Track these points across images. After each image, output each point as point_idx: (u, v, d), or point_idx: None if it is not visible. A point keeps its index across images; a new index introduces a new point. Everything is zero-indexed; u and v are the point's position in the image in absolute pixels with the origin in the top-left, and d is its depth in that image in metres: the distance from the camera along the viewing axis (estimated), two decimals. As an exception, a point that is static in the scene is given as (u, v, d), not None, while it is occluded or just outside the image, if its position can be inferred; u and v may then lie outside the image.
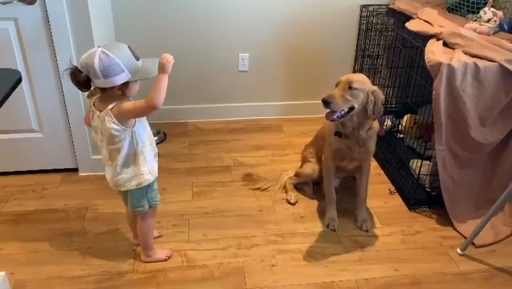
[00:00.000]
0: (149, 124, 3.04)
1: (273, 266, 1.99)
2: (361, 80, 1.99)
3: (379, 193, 2.49)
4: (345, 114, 1.96)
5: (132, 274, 1.92)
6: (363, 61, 3.13)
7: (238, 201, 2.40)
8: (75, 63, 1.60)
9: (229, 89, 3.16)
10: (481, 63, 2.00)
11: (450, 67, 1.97)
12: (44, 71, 2.30)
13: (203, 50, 3.00)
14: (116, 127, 1.61)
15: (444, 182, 2.21)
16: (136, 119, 1.66)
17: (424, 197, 2.41)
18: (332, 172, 2.26)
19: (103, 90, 1.60)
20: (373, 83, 3.11)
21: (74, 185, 2.50)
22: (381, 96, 1.97)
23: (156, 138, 2.93)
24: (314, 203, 2.41)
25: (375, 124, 2.10)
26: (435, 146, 2.16)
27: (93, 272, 1.92)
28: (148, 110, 1.60)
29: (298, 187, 2.51)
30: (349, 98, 1.93)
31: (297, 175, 2.52)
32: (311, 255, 2.05)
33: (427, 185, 2.46)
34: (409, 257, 2.06)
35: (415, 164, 2.54)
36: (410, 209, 2.37)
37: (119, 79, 1.55)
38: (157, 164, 1.84)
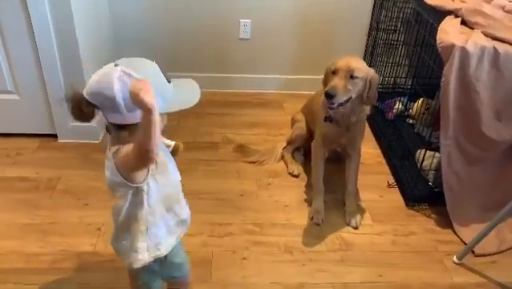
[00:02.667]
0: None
1: (244, 259, 1.82)
2: (361, 68, 1.81)
3: (376, 185, 2.26)
4: (344, 102, 1.83)
5: (92, 256, 1.79)
6: (377, 35, 2.83)
7: (220, 182, 2.22)
8: (75, 89, 1.11)
9: (229, 58, 2.92)
10: (502, 48, 1.70)
11: (464, 51, 1.69)
12: (17, 29, 2.12)
13: (200, 14, 2.75)
14: (116, 179, 1.16)
15: (447, 180, 1.97)
16: (152, 172, 1.19)
17: (425, 193, 2.17)
18: (321, 158, 2.07)
19: (120, 127, 1.11)
20: (387, 61, 2.91)
21: (50, 152, 2.36)
22: (377, 80, 1.82)
23: (145, 107, 2.75)
24: (304, 189, 2.21)
25: (367, 107, 1.95)
26: (440, 139, 1.90)
27: (50, 250, 1.80)
28: (141, 157, 1.05)
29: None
30: (350, 88, 1.79)
31: (289, 142, 2.42)
32: (289, 251, 1.86)
33: (430, 180, 2.22)
34: (398, 261, 1.85)
35: (421, 154, 2.29)
36: (408, 205, 2.14)
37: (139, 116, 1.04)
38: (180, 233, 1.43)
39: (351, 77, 1.78)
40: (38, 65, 2.21)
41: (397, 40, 2.81)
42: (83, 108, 1.10)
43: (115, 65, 1.08)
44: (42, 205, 2.02)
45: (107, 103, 1.06)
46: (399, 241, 1.95)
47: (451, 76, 1.73)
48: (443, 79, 1.76)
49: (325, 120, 1.95)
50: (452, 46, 1.70)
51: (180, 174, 2.21)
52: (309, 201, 2.12)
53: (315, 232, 1.97)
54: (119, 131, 1.13)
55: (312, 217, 2.02)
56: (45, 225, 1.92)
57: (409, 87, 2.91)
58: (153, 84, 1.00)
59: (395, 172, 2.35)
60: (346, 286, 1.73)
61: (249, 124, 2.69)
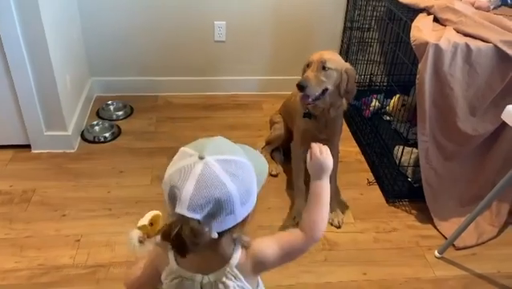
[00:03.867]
0: (114, 96, 2.83)
1: (228, 264, 1.80)
2: (334, 59, 1.83)
3: (356, 183, 2.27)
4: (320, 96, 1.83)
5: (71, 268, 1.74)
6: (351, 34, 2.85)
7: (201, 187, 2.19)
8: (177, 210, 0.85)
9: (204, 61, 2.89)
10: (474, 44, 1.73)
11: (437, 48, 1.71)
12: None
13: (175, 17, 2.72)
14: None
15: (426, 175, 2.00)
16: None
17: (405, 189, 2.20)
18: (301, 158, 2.07)
19: (220, 234, 0.89)
20: (362, 59, 2.94)
21: (24, 164, 2.29)
22: (354, 74, 1.84)
23: (121, 113, 2.71)
24: (287, 189, 2.20)
25: (344, 102, 1.97)
26: (418, 136, 1.92)
27: (28, 265, 1.74)
28: (308, 246, 1.02)
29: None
30: (323, 79, 1.80)
31: (268, 142, 2.42)
32: (272, 253, 1.85)
33: (409, 176, 2.25)
34: (381, 258, 1.87)
35: (400, 151, 2.32)
36: (388, 202, 2.16)
37: (252, 203, 0.92)
38: None
39: (324, 68, 1.79)
40: (8, 72, 2.14)
41: (371, 38, 2.84)
42: (198, 236, 0.83)
43: (201, 158, 0.84)
44: (18, 219, 1.95)
45: (219, 207, 0.83)
46: (381, 238, 1.97)
47: (426, 73, 1.75)
48: (418, 76, 1.78)
49: (304, 116, 1.96)
50: (425, 44, 1.72)
51: (160, 180, 2.19)
52: (291, 202, 2.11)
53: (298, 233, 1.96)
54: (220, 238, 0.89)
55: (295, 218, 2.01)
56: (21, 239, 1.86)
57: (385, 84, 2.95)
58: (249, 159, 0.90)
59: (374, 170, 2.37)
60: (331, 285, 1.73)
61: (229, 127, 2.67)
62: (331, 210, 2.04)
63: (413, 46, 1.78)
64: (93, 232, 1.90)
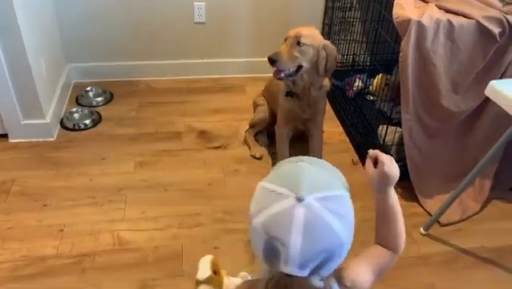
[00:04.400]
0: (93, 82, 2.74)
1: (216, 248, 1.78)
2: (311, 35, 1.79)
3: (340, 164, 2.17)
4: (294, 72, 1.82)
5: (55, 259, 1.71)
6: (333, 13, 2.82)
7: (186, 173, 2.16)
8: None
9: (185, 43, 2.83)
10: (456, 21, 1.72)
11: (420, 25, 1.69)
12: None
13: (152, -1, 2.65)
14: None
15: (410, 153, 2.00)
16: None
17: (389, 168, 2.20)
18: (286, 141, 2.07)
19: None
20: (345, 39, 2.91)
21: (1, 153, 2.22)
22: (334, 52, 1.81)
23: (101, 99, 2.64)
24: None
25: (327, 82, 1.95)
26: (401, 114, 1.92)
27: (10, 257, 1.70)
28: (395, 261, 0.98)
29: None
30: (297, 55, 1.78)
31: (252, 125, 2.39)
32: (260, 236, 1.84)
33: (394, 155, 2.25)
34: (369, 238, 1.87)
35: (384, 130, 2.32)
36: (374, 181, 2.17)
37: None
38: None
39: (299, 44, 1.75)
40: (-20, 61, 2.06)
41: (353, 17, 2.81)
42: None
43: (299, 199, 0.72)
44: (-3, 210, 1.91)
45: (330, 255, 0.74)
46: (369, 217, 1.93)
47: (409, 51, 1.74)
48: (401, 54, 1.77)
49: (286, 95, 1.94)
50: (408, 21, 1.71)
51: (144, 167, 2.17)
52: (277, 185, 2.10)
53: (285, 215, 1.96)
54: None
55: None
56: (1, 231, 1.81)
57: (368, 64, 2.94)
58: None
59: (358, 150, 2.37)
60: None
61: (212, 111, 2.63)
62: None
63: (396, 24, 1.76)
64: (76, 221, 1.86)
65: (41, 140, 2.30)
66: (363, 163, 2.24)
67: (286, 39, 1.80)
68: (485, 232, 1.91)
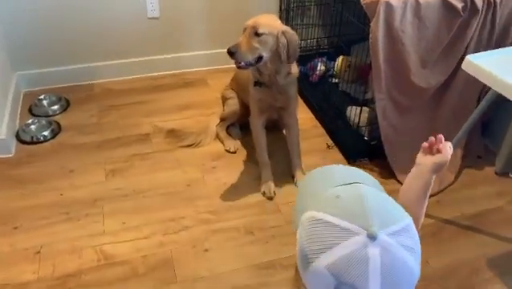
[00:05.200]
0: (44, 89, 2.54)
1: (206, 250, 1.74)
2: (268, 23, 1.77)
3: (316, 149, 2.28)
4: (255, 62, 1.79)
5: (38, 283, 1.59)
6: (289, -1, 2.79)
7: (162, 176, 2.08)
8: None
9: (140, 40, 2.70)
10: (423, -2, 1.75)
11: (388, 5, 1.70)
12: None
13: (101, -4, 2.50)
14: None
15: (384, 132, 2.04)
16: None
17: (363, 148, 2.24)
18: (262, 132, 2.05)
19: None
20: (301, 23, 2.90)
21: (-44, 178, 2.04)
22: (294, 37, 1.80)
23: (57, 107, 2.48)
24: (251, 165, 2.15)
25: (295, 69, 1.94)
26: (374, 95, 1.94)
27: (-14, 289, 1.57)
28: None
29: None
30: (256, 45, 1.76)
31: (223, 118, 2.34)
32: (250, 232, 1.82)
33: (365, 135, 2.29)
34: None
35: (351, 111, 2.35)
36: (350, 163, 2.20)
37: None
38: None
39: (257, 34, 1.73)
40: None
41: (309, 1, 2.80)
42: None
43: (372, 238, 0.66)
44: (-38, 240, 1.75)
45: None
46: (350, 199, 2.00)
47: (378, 32, 1.75)
48: (371, 35, 1.78)
49: (255, 85, 1.92)
50: (376, 2, 1.71)
51: (116, 174, 2.07)
52: (257, 177, 2.07)
53: (271, 207, 1.94)
54: None
55: (264, 192, 1.98)
56: (-29, 261, 1.67)
57: (326, 47, 2.96)
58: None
59: (331, 133, 2.39)
60: (313, 254, 1.73)
61: (178, 108, 2.55)
62: (298, 181, 2.03)
63: (364, 6, 1.76)
64: (54, 240, 1.75)
65: (-2, 157, 2.13)
66: (338, 146, 2.28)
67: (244, 30, 1.76)
68: (463, 200, 2.00)
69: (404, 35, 1.79)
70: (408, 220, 0.71)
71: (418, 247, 0.70)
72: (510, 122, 2.05)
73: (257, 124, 2.04)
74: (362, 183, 0.74)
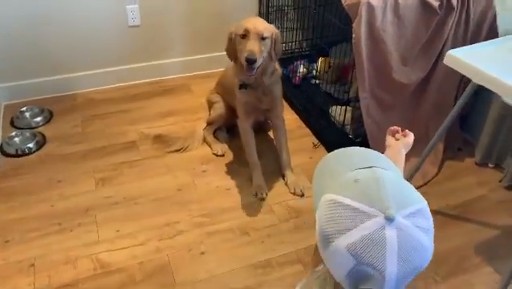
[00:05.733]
0: (25, 101, 2.50)
1: (203, 253, 1.75)
2: (267, 27, 1.86)
3: (303, 148, 2.32)
4: (260, 65, 1.85)
5: (34, 296, 1.58)
6: (268, 2, 2.84)
7: (152, 182, 2.08)
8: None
9: (121, 49, 2.70)
10: (401, -2, 1.82)
11: (369, 6, 1.77)
12: None
13: (83, 3, 2.48)
14: None
15: (369, 129, 2.10)
16: None
17: (348, 146, 2.28)
18: (251, 134, 2.09)
19: None
20: (281, 26, 2.95)
21: None
22: (279, 36, 1.92)
23: (40, 118, 2.45)
24: (239, 168, 2.17)
25: (278, 68, 2.01)
26: (358, 94, 2.00)
27: (-18, 306, 1.54)
28: None
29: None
30: (263, 49, 1.82)
31: (210, 122, 2.37)
32: (244, 232, 1.84)
33: (349, 133, 2.35)
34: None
35: (334, 111, 2.41)
36: (337, 161, 2.25)
37: None
38: None
39: (262, 38, 1.80)
40: None
41: (288, 5, 2.86)
42: None
43: (389, 220, 0.68)
44: (-48, 257, 1.71)
45: (420, 269, 0.72)
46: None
47: (361, 32, 1.81)
48: (354, 35, 1.84)
49: (240, 88, 1.96)
50: (358, 3, 1.77)
51: (106, 183, 2.06)
52: (248, 179, 2.10)
53: (264, 207, 1.97)
54: None
55: (256, 194, 2.01)
56: (-37, 278, 1.63)
57: (307, 49, 3.02)
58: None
59: (316, 133, 2.44)
60: (308, 250, 1.76)
61: (162, 114, 2.55)
62: (291, 182, 2.07)
63: (346, 7, 1.82)
64: (47, 252, 1.73)
65: (-18, 172, 2.09)
66: (324, 144, 2.33)
67: (244, 35, 1.80)
68: (447, 191, 2.07)
69: (386, 34, 1.86)
70: (423, 203, 0.73)
71: (432, 228, 0.73)
72: (488, 115, 2.15)
73: (245, 126, 2.07)
74: (379, 166, 0.77)
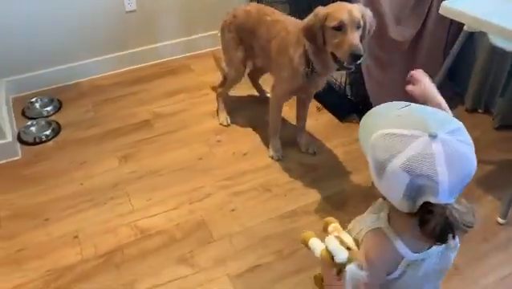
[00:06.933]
0: (33, 93, 2.54)
1: (233, 210, 1.89)
2: (357, 13, 1.63)
3: (308, 113, 2.46)
4: None
5: (84, 264, 1.68)
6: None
7: (171, 155, 2.19)
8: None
9: (120, 34, 2.77)
10: (392, -40, 1.97)
11: (365, -31, 1.91)
12: None
13: (79, -6, 2.55)
14: None
15: (369, 87, 2.26)
16: None
17: (350, 107, 2.45)
18: (281, 109, 2.13)
19: None
20: (270, 2, 3.05)
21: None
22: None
23: (50, 108, 2.52)
24: (250, 134, 2.31)
25: None
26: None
27: (35, 276, 1.64)
28: None
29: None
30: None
31: (224, 85, 2.35)
32: (267, 189, 1.98)
33: (349, 94, 2.51)
34: (355, 166, 2.10)
35: (333, 75, 2.56)
36: (341, 120, 2.41)
37: None
38: None
39: (358, 27, 1.62)
40: None
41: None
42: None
43: (432, 136, 0.78)
44: (-3, 238, 1.80)
45: (470, 178, 0.82)
46: (349, 150, 2.20)
47: (359, -4, 1.96)
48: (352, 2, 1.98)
49: (307, 76, 1.82)
50: (354, -32, 1.91)
51: (128, 160, 2.17)
52: (260, 144, 2.23)
53: (280, 167, 2.11)
54: None
55: (273, 156, 2.15)
56: (12, 254, 1.72)
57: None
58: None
59: (318, 98, 2.57)
60: (328, 198, 1.93)
61: (168, 94, 2.65)
62: (305, 143, 2.19)
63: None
64: (87, 225, 1.83)
65: (5, 161, 2.16)
66: (327, 108, 2.47)
67: (340, 27, 1.60)
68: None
69: (380, -5, 2.01)
70: (460, 123, 0.84)
71: (472, 143, 0.82)
72: (474, 64, 2.33)
73: (281, 104, 2.07)
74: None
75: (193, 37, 2.98)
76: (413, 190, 0.79)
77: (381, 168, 0.82)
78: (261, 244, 1.74)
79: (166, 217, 1.86)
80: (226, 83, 2.35)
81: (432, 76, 2.07)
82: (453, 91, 2.52)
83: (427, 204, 0.79)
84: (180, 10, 2.87)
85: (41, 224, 1.84)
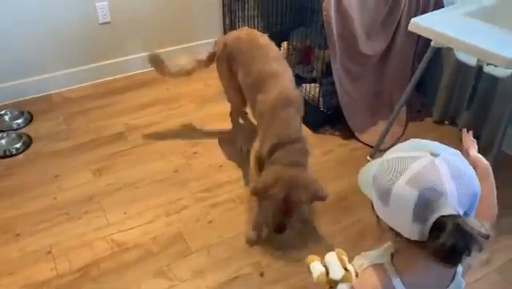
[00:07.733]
0: (3, 105, 2.47)
1: (210, 222, 1.89)
2: None
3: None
4: None
5: (59, 279, 1.65)
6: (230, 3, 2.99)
7: (148, 167, 2.18)
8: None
9: (94, 46, 2.75)
10: (362, -25, 2.05)
11: (337, -15, 1.98)
12: None
13: (52, 4, 2.51)
14: None
15: (342, 98, 2.32)
16: None
17: (323, 119, 2.51)
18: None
19: None
20: (241, 17, 3.11)
21: None
22: None
23: (21, 120, 2.46)
24: (226, 146, 2.33)
25: None
26: (331, 66, 2.22)
27: (8, 293, 1.60)
28: None
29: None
30: None
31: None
32: (244, 200, 2.00)
33: (321, 106, 2.56)
34: (331, 175, 2.15)
35: (304, 88, 2.61)
36: (314, 131, 2.46)
37: None
38: None
39: None
40: None
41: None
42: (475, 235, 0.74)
43: (435, 155, 0.78)
44: (-36, 255, 1.73)
45: (476, 197, 0.79)
46: (323, 160, 2.25)
47: (331, 10, 2.02)
48: (324, 13, 2.05)
49: None
50: (326, -16, 1.98)
51: (103, 172, 2.14)
52: (237, 156, 2.25)
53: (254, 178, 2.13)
54: None
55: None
56: (-18, 272, 1.67)
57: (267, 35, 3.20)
58: None
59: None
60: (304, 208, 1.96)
61: (144, 106, 2.64)
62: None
63: (316, -12, 2.02)
64: (61, 239, 1.80)
65: (-27, 173, 2.10)
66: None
67: None
68: (414, 147, 2.33)
69: (351, 10, 2.08)
70: (458, 151, 0.83)
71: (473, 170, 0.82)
72: (441, 79, 2.44)
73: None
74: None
75: (167, 49, 2.97)
76: (422, 207, 0.76)
77: (386, 193, 0.79)
78: (239, 255, 1.75)
79: (142, 230, 1.85)
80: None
81: (401, 89, 2.19)
82: (422, 103, 2.62)
83: (437, 222, 0.75)
84: (154, 23, 2.88)
85: (12, 239, 1.80)
